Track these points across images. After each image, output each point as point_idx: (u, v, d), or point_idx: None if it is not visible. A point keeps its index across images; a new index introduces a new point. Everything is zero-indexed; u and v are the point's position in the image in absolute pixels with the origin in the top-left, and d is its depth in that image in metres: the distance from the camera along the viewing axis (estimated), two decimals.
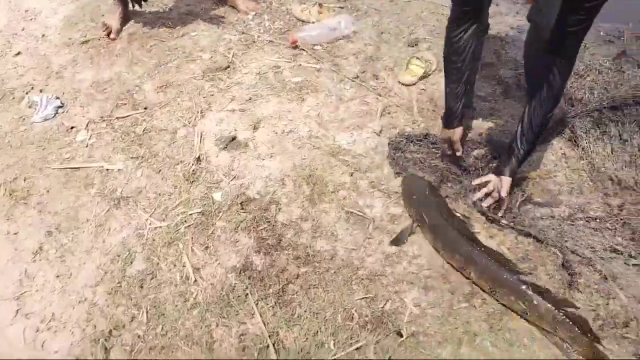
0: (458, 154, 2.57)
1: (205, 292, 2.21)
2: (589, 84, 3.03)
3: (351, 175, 2.69)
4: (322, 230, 2.45)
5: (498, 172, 2.38)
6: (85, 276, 2.32)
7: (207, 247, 2.37)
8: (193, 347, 2.03)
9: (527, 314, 2.04)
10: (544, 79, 2.14)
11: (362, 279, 2.26)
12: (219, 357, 2.00)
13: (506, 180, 2.34)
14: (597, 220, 2.40)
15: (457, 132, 2.49)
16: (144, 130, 2.97)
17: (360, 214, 2.51)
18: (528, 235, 2.34)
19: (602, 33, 3.59)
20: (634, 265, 2.21)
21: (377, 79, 3.26)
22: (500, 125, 2.93)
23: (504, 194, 2.34)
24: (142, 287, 2.25)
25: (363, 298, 2.19)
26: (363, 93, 3.18)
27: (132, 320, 2.15)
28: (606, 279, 2.18)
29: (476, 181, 2.48)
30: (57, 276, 2.33)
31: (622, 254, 2.25)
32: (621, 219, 2.36)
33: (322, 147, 2.85)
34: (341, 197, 2.59)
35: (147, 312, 2.16)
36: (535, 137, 2.27)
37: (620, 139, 2.75)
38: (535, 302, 2.00)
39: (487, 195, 2.42)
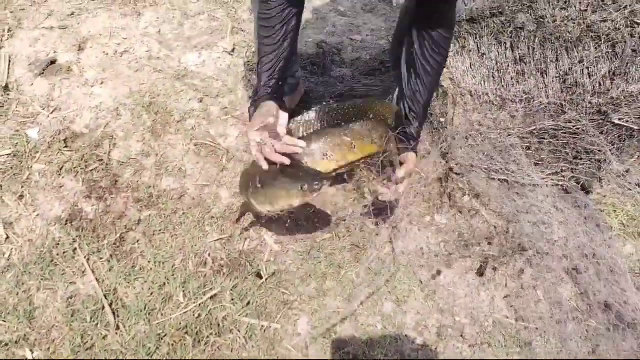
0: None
1: (21, 250, 1.80)
2: None
3: (200, 101, 2.35)
4: (167, 167, 2.12)
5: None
6: None
7: (21, 197, 1.93)
8: (8, 317, 1.66)
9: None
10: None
11: (216, 219, 2.00)
12: (41, 326, 1.65)
13: (411, 158, 1.74)
14: (458, 135, 2.33)
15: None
16: None
17: (213, 144, 2.21)
18: None
19: None
20: (497, 180, 2.19)
21: None
22: (359, 41, 2.73)
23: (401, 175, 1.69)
24: None
25: (217, 240, 1.94)
26: (211, 7, 2.78)
27: None
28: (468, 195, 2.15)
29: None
30: None
31: (482, 169, 2.22)
32: (481, 134, 2.32)
33: (165, 70, 2.44)
34: (189, 126, 2.25)
35: None
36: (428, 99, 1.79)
37: (479, 52, 2.69)
38: None
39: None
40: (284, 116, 1.68)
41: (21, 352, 1.61)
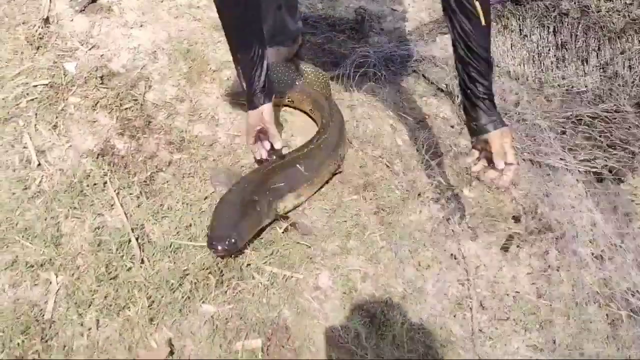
0: (277, 145, 1.89)
1: (51, 178, 1.81)
2: None
3: None
4: (201, 113, 2.12)
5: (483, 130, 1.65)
6: None
7: (55, 126, 1.93)
8: (34, 240, 1.66)
9: None
10: None
11: (246, 168, 2.00)
12: (66, 252, 1.66)
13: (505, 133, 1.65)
14: None
15: (267, 110, 1.83)
16: None
17: None
18: None
19: None
20: (529, 161, 2.17)
21: None
22: (400, 11, 2.70)
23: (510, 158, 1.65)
24: None
25: None
26: None
27: None
28: None
29: (470, 159, 1.76)
30: None
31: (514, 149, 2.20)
32: (517, 113, 2.29)
33: (205, 20, 2.43)
34: (224, 77, 2.25)
35: None
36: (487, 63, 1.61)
37: (521, 33, 2.66)
38: None
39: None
40: (269, 112, 1.85)
41: (46, 275, 1.62)
